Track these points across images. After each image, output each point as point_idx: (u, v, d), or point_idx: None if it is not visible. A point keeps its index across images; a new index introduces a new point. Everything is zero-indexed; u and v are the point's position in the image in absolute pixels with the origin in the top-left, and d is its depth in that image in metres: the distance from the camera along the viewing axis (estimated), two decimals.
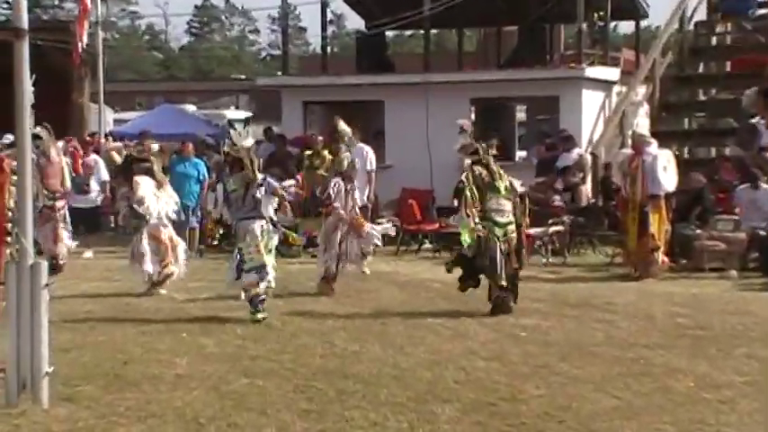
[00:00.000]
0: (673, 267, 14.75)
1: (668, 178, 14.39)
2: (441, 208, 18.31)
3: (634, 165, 14.38)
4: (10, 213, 8.92)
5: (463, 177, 11.55)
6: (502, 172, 11.85)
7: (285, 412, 7.51)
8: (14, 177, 8.34)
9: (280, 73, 24.77)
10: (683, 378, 8.57)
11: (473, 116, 21.74)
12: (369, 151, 17.79)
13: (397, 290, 13.23)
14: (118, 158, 14.75)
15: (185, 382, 8.37)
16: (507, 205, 11.62)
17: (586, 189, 17.94)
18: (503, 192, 11.62)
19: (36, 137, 11.98)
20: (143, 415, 7.42)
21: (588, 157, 18.47)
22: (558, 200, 17.38)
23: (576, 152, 18.42)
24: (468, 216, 11.33)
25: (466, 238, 11.37)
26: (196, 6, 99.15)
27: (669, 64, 21.85)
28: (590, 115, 20.23)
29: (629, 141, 16.06)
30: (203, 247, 17.61)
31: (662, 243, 14.34)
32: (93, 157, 18.12)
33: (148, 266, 12.72)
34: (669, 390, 8.20)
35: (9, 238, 8.99)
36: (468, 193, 11.38)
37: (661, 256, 14.36)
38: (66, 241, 14.65)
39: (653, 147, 14.58)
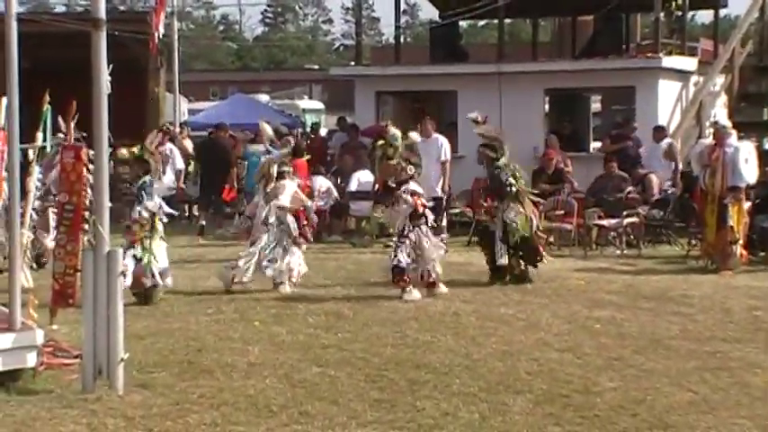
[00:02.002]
0: (751, 260, 14.48)
1: (749, 170, 14.13)
2: None
3: (714, 156, 14.12)
4: (88, 202, 9.06)
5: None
6: (518, 174, 13.11)
7: (356, 401, 7.52)
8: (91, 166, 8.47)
9: (353, 63, 24.79)
10: (761, 372, 8.44)
11: (547, 107, 21.57)
12: (444, 142, 17.72)
13: (468, 280, 13.17)
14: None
15: (258, 371, 8.42)
16: (519, 207, 12.94)
17: (658, 180, 17.63)
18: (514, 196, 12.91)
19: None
20: (216, 402, 7.48)
21: (677, 146, 18.14)
22: (632, 191, 17.14)
23: (665, 142, 18.12)
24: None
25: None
26: None
27: (749, 53, 21.46)
28: (666, 106, 19.94)
29: (708, 132, 15.79)
30: None
31: (741, 236, 14.09)
32: (169, 146, 18.27)
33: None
34: (746, 384, 8.08)
35: (86, 226, 9.14)
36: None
37: (740, 249, 14.11)
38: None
39: (734, 138, 14.33)
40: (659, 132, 18.36)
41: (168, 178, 17.57)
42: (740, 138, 14.92)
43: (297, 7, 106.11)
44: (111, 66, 7.86)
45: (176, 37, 24.99)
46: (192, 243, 17.39)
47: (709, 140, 14.86)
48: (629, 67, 19.98)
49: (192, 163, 21.70)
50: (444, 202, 17.46)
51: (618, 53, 21.07)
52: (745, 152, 14.18)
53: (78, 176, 8.83)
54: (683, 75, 20.45)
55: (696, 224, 15.39)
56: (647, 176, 17.41)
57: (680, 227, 16.52)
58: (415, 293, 11.81)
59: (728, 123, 15.06)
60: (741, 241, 14.09)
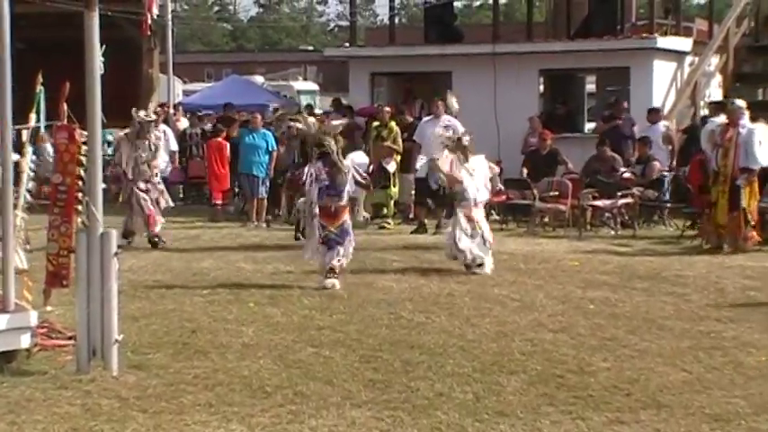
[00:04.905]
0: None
1: (764, 153, 13.87)
2: (508, 180, 18.18)
3: (728, 136, 13.88)
4: (81, 183, 9.02)
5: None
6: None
7: (351, 382, 7.53)
8: (84, 147, 8.42)
9: (347, 44, 24.74)
10: (755, 352, 8.45)
11: (541, 87, 21.55)
12: (457, 124, 17.65)
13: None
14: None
15: (252, 351, 8.43)
16: None
17: (660, 167, 17.54)
18: None
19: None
20: (211, 383, 7.48)
21: (673, 129, 18.06)
22: (626, 171, 17.08)
23: (662, 125, 18.03)
24: None
25: None
26: None
27: (744, 33, 21.45)
28: (661, 86, 19.95)
29: (703, 112, 15.69)
30: (270, 218, 17.70)
31: (753, 217, 13.93)
32: (163, 127, 18.22)
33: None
34: (740, 364, 8.09)
35: (80, 207, 9.10)
36: None
37: (751, 231, 13.92)
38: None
39: (747, 118, 14.09)
40: (654, 114, 18.31)
41: (162, 160, 17.63)
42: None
43: None
44: (104, 46, 7.83)
45: (170, 18, 24.88)
46: (187, 225, 17.37)
47: (721, 119, 14.44)
48: (623, 48, 19.98)
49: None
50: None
51: (613, 33, 21.05)
52: (760, 134, 13.89)
53: (72, 157, 8.78)
54: (677, 55, 20.44)
55: (690, 205, 15.31)
56: (651, 162, 17.16)
57: (674, 207, 16.50)
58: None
59: (743, 103, 14.60)
60: (753, 223, 13.94)
